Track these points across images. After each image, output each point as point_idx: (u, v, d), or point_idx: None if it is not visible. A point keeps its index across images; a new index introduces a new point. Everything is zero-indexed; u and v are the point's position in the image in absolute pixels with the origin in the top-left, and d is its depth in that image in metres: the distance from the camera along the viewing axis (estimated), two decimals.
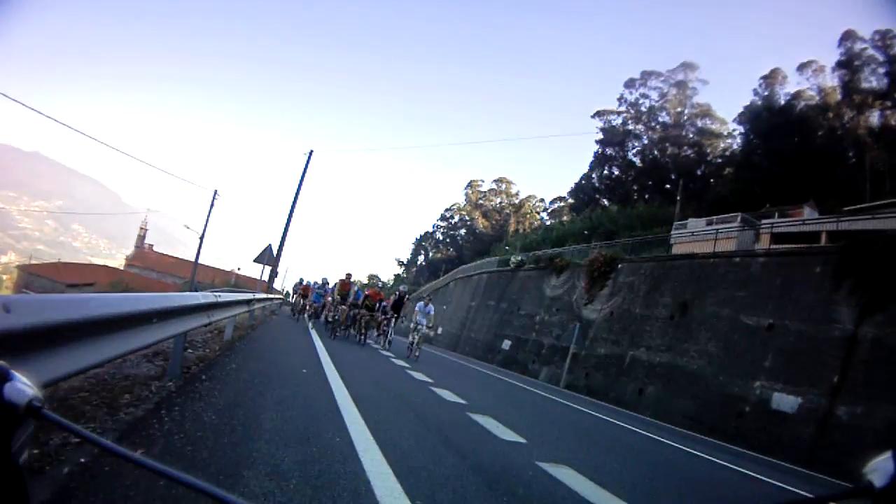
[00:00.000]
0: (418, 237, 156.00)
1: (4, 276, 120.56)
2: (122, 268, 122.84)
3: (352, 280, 29.69)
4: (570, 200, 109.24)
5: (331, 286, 32.69)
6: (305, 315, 38.99)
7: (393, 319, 27.65)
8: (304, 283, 42.05)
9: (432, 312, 26.63)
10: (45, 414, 1.05)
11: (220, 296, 11.10)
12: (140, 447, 5.05)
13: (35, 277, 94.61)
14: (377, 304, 28.11)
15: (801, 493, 15.01)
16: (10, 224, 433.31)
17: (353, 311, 27.98)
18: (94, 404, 6.09)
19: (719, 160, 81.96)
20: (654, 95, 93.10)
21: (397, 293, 28.52)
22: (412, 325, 26.31)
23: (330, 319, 29.25)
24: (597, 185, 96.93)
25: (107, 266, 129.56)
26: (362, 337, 27.45)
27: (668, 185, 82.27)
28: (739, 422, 23.62)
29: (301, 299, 40.34)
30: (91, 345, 4.35)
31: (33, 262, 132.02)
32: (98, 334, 4.54)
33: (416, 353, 24.94)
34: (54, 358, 3.67)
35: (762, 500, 11.15)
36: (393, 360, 21.71)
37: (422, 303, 26.78)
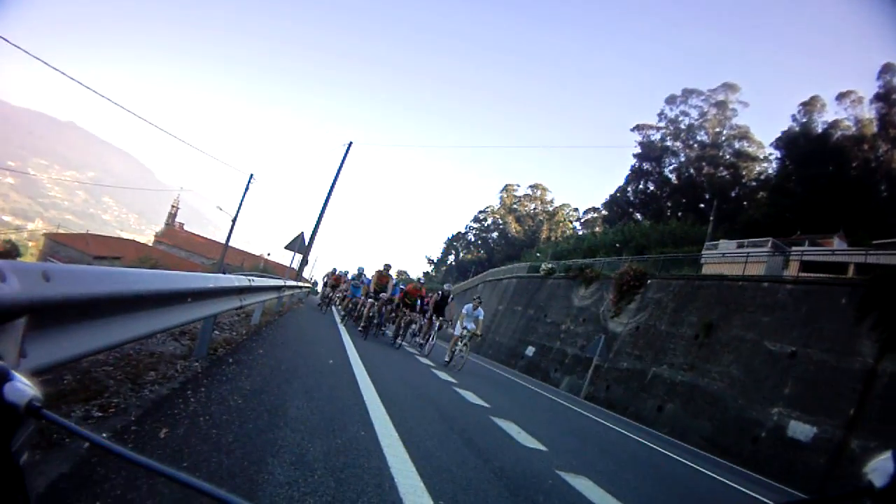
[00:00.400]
0: (450, 237, 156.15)
1: (30, 243, 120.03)
2: (150, 244, 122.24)
3: (390, 273, 25.44)
4: (604, 212, 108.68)
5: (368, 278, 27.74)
6: (334, 308, 36.58)
7: (435, 322, 24.47)
8: (337, 272, 37.79)
9: (481, 317, 22.87)
10: (45, 414, 1.04)
11: (253, 280, 11.07)
12: (164, 427, 5.05)
13: (61, 247, 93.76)
14: (417, 302, 25.05)
15: (801, 494, 15.03)
16: (39, 192, 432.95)
17: (389, 307, 25.40)
18: (118, 379, 6.10)
19: (754, 183, 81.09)
20: (694, 114, 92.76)
21: (440, 292, 25.11)
22: (457, 331, 22.56)
23: (363, 316, 24.47)
24: (631, 198, 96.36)
25: (135, 241, 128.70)
26: (398, 339, 23.90)
27: (702, 205, 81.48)
28: (755, 447, 23.42)
29: (331, 290, 36.71)
30: (126, 320, 4.34)
31: (61, 230, 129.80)
32: (134, 310, 4.54)
33: (460, 364, 21.60)
34: (89, 330, 3.65)
35: None
36: (423, 361, 20.27)
37: (470, 305, 22.96)
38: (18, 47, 20.40)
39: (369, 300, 24.17)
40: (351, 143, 49.20)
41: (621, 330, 37.52)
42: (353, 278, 31.68)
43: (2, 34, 18.34)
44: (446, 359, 22.11)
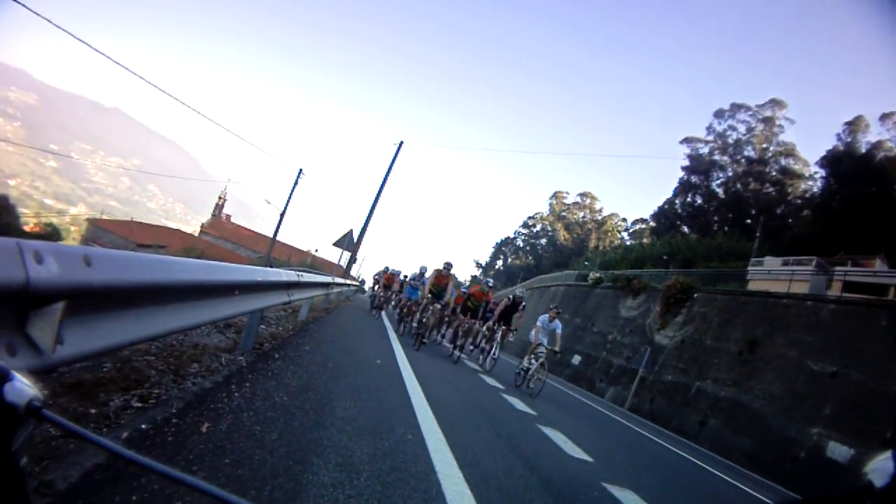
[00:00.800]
0: (499, 241, 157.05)
1: (73, 228, 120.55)
2: (196, 234, 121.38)
3: (452, 272, 21.98)
4: (652, 224, 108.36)
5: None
6: (384, 313, 32.12)
7: (500, 332, 20.50)
8: (389, 271, 33.69)
9: (559, 331, 19.26)
10: (45, 414, 1.02)
11: (301, 275, 11.05)
12: (206, 421, 4.97)
13: (104, 233, 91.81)
14: (481, 308, 21.70)
15: (723, 477, 14.95)
16: (82, 176, 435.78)
17: (447, 311, 22.14)
18: (160, 370, 6.06)
19: (799, 201, 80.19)
20: (742, 128, 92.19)
21: (510, 298, 21.11)
22: (531, 348, 19.15)
23: (417, 322, 21.04)
24: (679, 211, 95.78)
25: (181, 231, 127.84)
26: (457, 349, 20.18)
27: (748, 220, 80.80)
28: (793, 465, 23.10)
29: (383, 291, 32.73)
30: (171, 310, 4.28)
31: (104, 216, 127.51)
32: (179, 300, 4.49)
33: (536, 391, 17.57)
34: (132, 319, 3.56)
35: None
36: (487, 380, 17.04)
37: (546, 316, 19.75)
38: (65, 30, 20.53)
39: (433, 307, 20.99)
40: (402, 142, 48.74)
41: (667, 343, 37.23)
42: (412, 278, 26.27)
43: (49, 17, 18.46)
44: (516, 382, 18.61)
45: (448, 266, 21.69)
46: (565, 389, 29.54)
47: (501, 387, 16.34)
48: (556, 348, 18.94)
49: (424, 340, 19.66)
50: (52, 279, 2.42)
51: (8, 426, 0.99)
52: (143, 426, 4.37)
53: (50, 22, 19.22)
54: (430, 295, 21.13)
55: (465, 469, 6.10)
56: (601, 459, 10.12)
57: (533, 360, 18.51)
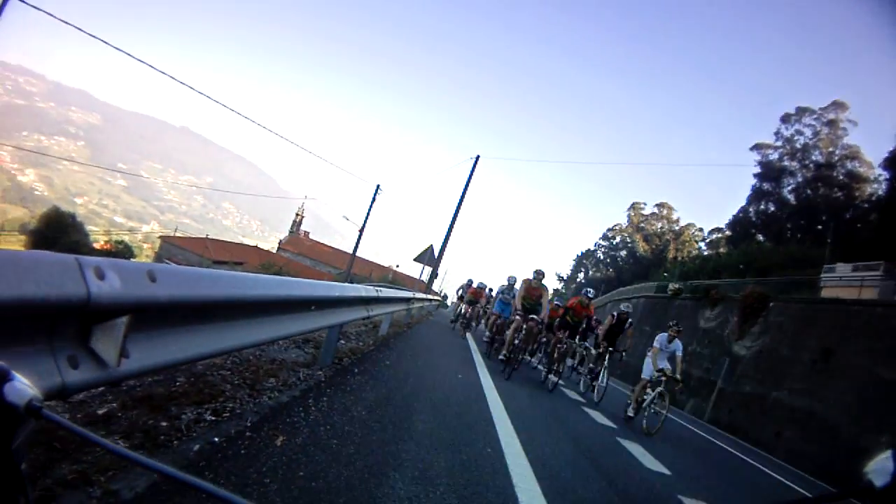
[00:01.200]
0: (580, 254, 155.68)
1: (145, 245, 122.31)
2: (273, 251, 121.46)
3: (543, 283, 17.87)
4: (728, 232, 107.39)
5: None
6: (470, 335, 27.43)
7: (607, 354, 17.80)
8: (474, 285, 30.12)
9: (680, 352, 16.09)
10: (45, 414, 1.01)
11: (380, 290, 11.03)
12: (281, 434, 5.01)
13: (179, 250, 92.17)
14: (582, 325, 18.33)
15: (802, 492, 14.68)
16: (153, 194, 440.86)
17: (539, 328, 17.73)
18: (235, 384, 6.14)
19: (866, 205, 78.37)
20: (808, 133, 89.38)
21: (614, 315, 18.74)
22: (647, 373, 15.88)
23: (508, 343, 16.91)
24: (753, 219, 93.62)
25: (258, 247, 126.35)
26: (552, 374, 16.69)
27: (819, 226, 79.03)
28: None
29: (468, 308, 29.34)
30: (243, 325, 4.33)
31: (177, 234, 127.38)
32: (252, 315, 4.54)
33: (655, 427, 14.12)
34: (201, 334, 3.61)
35: None
36: (590, 413, 14.34)
37: (664, 335, 16.41)
38: (129, 54, 20.84)
39: (516, 319, 16.92)
40: (478, 156, 48.15)
41: (745, 353, 36.69)
42: (501, 291, 21.80)
43: (112, 41, 18.79)
44: (629, 413, 15.64)
45: (539, 275, 17.58)
46: None
47: (613, 425, 13.35)
48: (678, 375, 15.52)
49: (516, 366, 16.15)
50: (114, 294, 2.46)
51: (8, 426, 1.00)
52: (216, 439, 4.41)
53: (108, 44, 19.58)
54: (520, 310, 17.06)
55: (543, 483, 6.08)
56: (679, 472, 10.13)
57: (649, 391, 15.34)
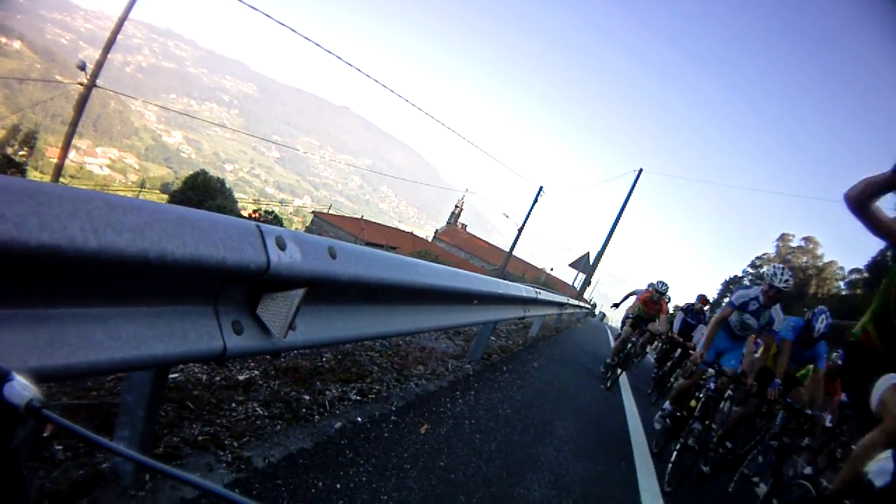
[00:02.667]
0: (727, 279, 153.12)
1: (296, 219, 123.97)
2: (429, 240, 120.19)
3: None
4: (866, 275, 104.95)
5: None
6: (622, 370, 15.11)
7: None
8: (656, 287, 15.17)
9: None
10: (45, 414, 0.96)
11: (539, 293, 10.91)
12: (426, 423, 5.02)
13: (330, 227, 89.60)
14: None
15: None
16: (308, 170, 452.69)
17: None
18: (383, 367, 6.20)
19: None
20: None
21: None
22: None
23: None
24: (889, 264, 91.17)
25: (413, 234, 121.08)
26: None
27: None
28: None
29: (634, 331, 14.69)
30: (409, 311, 4.38)
31: (331, 211, 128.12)
32: (418, 302, 4.58)
33: None
34: (369, 315, 3.67)
35: None
36: None
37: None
38: (293, 29, 21.05)
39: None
40: (641, 170, 46.96)
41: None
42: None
43: (278, 17, 18.96)
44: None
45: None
46: None
47: None
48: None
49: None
50: (294, 266, 2.49)
51: (8, 426, 0.99)
52: (359, 419, 4.46)
53: (271, 17, 19.78)
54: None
55: (668, 499, 6.00)
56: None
57: None
